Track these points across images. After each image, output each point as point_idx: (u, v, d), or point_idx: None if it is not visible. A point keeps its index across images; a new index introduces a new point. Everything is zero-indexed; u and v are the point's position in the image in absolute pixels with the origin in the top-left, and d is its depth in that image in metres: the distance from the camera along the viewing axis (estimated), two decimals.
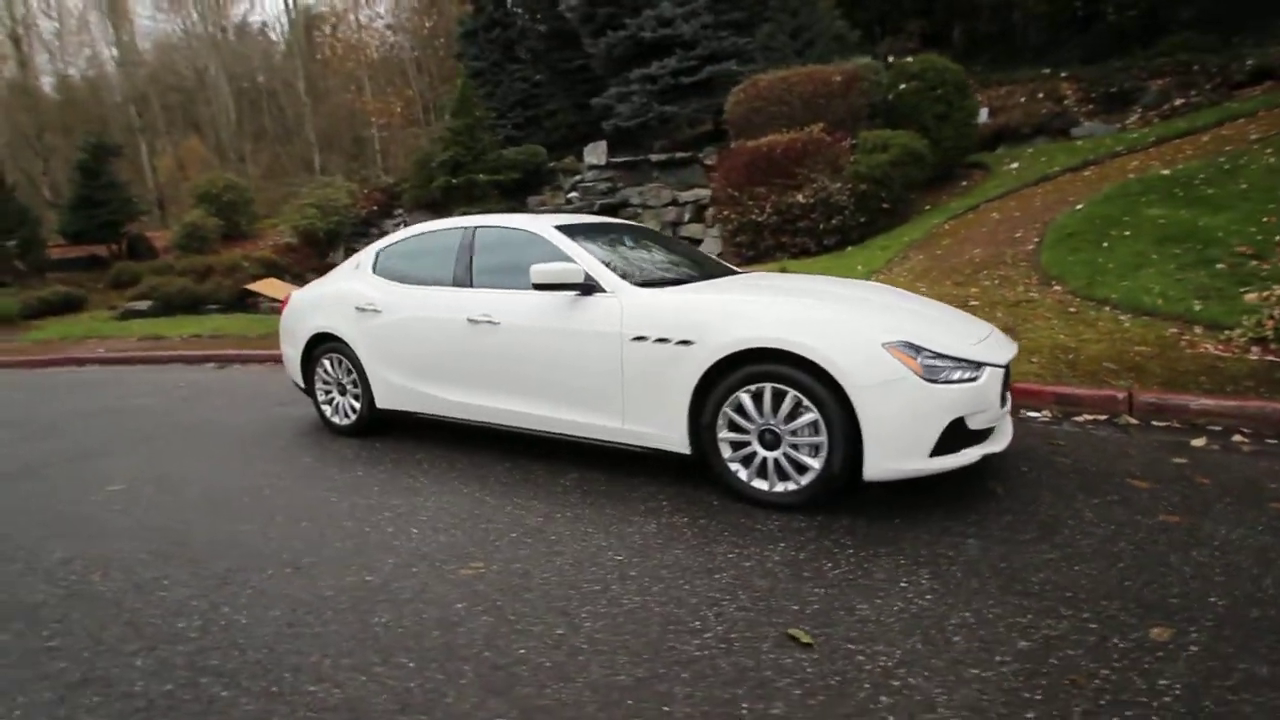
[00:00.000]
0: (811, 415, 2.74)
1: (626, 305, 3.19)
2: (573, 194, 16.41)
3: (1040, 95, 13.87)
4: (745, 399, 2.88)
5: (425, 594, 2.34)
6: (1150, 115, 12.10)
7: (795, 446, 2.82)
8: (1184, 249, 6.25)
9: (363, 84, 23.79)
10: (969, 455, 2.74)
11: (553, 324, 3.38)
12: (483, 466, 3.65)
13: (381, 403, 4.14)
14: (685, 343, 2.98)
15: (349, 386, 4.34)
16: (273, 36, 31.68)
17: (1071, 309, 5.77)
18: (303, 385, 4.60)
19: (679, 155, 16.15)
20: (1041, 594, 2.17)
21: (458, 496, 3.25)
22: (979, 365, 2.74)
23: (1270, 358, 4.31)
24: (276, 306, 12.09)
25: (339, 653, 2.02)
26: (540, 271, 3.28)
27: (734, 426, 2.94)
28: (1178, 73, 12.66)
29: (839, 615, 2.10)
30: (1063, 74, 14.45)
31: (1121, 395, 4.11)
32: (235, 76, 25.60)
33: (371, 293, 4.15)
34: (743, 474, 2.95)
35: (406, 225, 19.01)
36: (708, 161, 16.14)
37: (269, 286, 12.64)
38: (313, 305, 4.47)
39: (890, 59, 11.78)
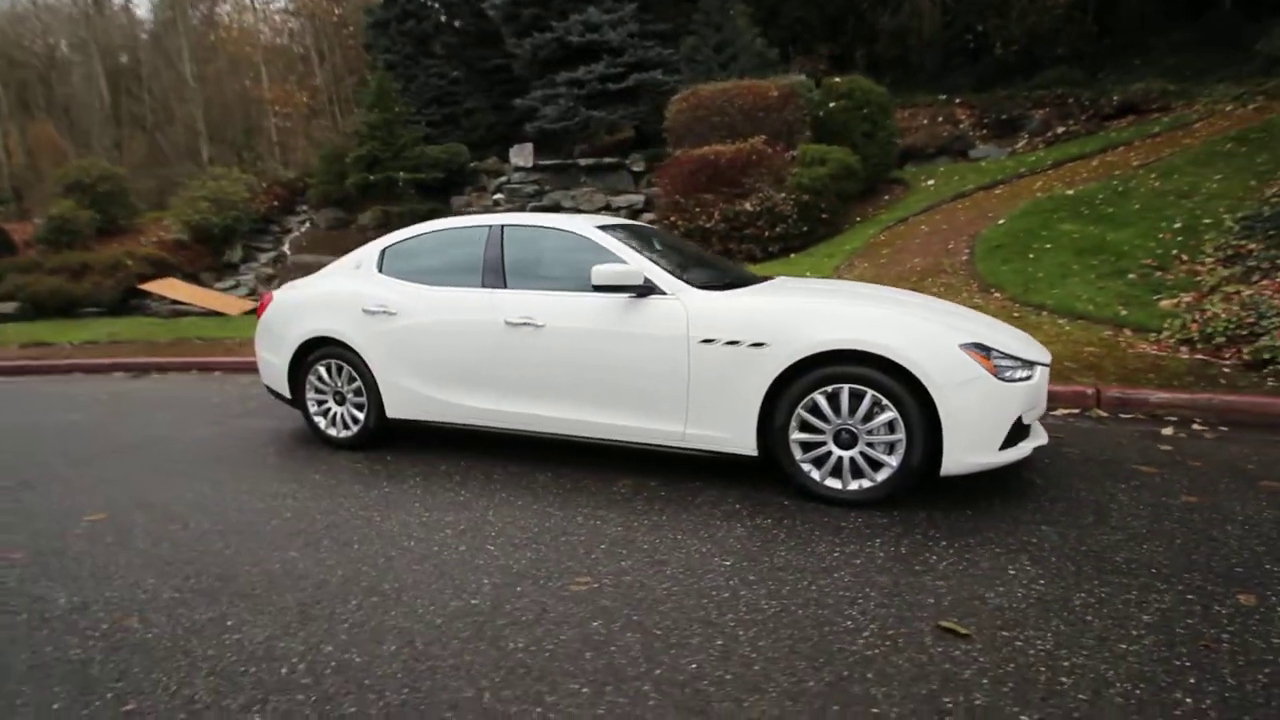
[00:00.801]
0: (889, 414, 2.84)
1: (690, 307, 3.16)
2: (498, 195, 16.02)
3: (940, 119, 15.13)
4: (821, 400, 2.94)
5: (549, 614, 2.20)
6: (1036, 141, 13.52)
7: (871, 445, 2.91)
8: (1099, 260, 7.02)
9: (259, 71, 21.85)
10: (1025, 449, 2.95)
11: (607, 327, 3.28)
12: (523, 476, 3.48)
13: (395, 412, 3.84)
14: (758, 345, 3.00)
15: (350, 395, 3.99)
16: (139, 14, 28.50)
17: (1015, 314, 6.32)
18: (287, 395, 4.18)
19: (607, 160, 16.20)
20: (1131, 572, 2.37)
21: (515, 509, 3.08)
22: (1033, 364, 2.96)
23: (1199, 356, 4.95)
24: (182, 308, 10.90)
25: (494, 684, 1.86)
26: (602, 273, 3.19)
27: (806, 427, 2.99)
28: (1056, 104, 14.23)
29: (974, 605, 2.19)
30: (957, 100, 15.83)
31: (1090, 390, 4.57)
32: (107, 53, 22.77)
33: (383, 294, 3.84)
34: (815, 474, 3.01)
35: (313, 223, 17.80)
36: (635, 168, 16.31)
37: (168, 287, 11.35)
38: (305, 307, 4.07)
39: (816, 79, 12.39)
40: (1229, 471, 3.26)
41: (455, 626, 2.14)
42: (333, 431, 4.08)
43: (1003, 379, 2.81)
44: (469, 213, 15.25)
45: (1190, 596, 2.20)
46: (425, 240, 3.98)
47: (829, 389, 2.92)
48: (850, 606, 2.20)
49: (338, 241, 16.29)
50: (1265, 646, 1.93)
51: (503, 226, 3.76)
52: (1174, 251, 6.83)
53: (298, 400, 4.16)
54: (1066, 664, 1.88)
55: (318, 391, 4.09)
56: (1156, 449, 3.64)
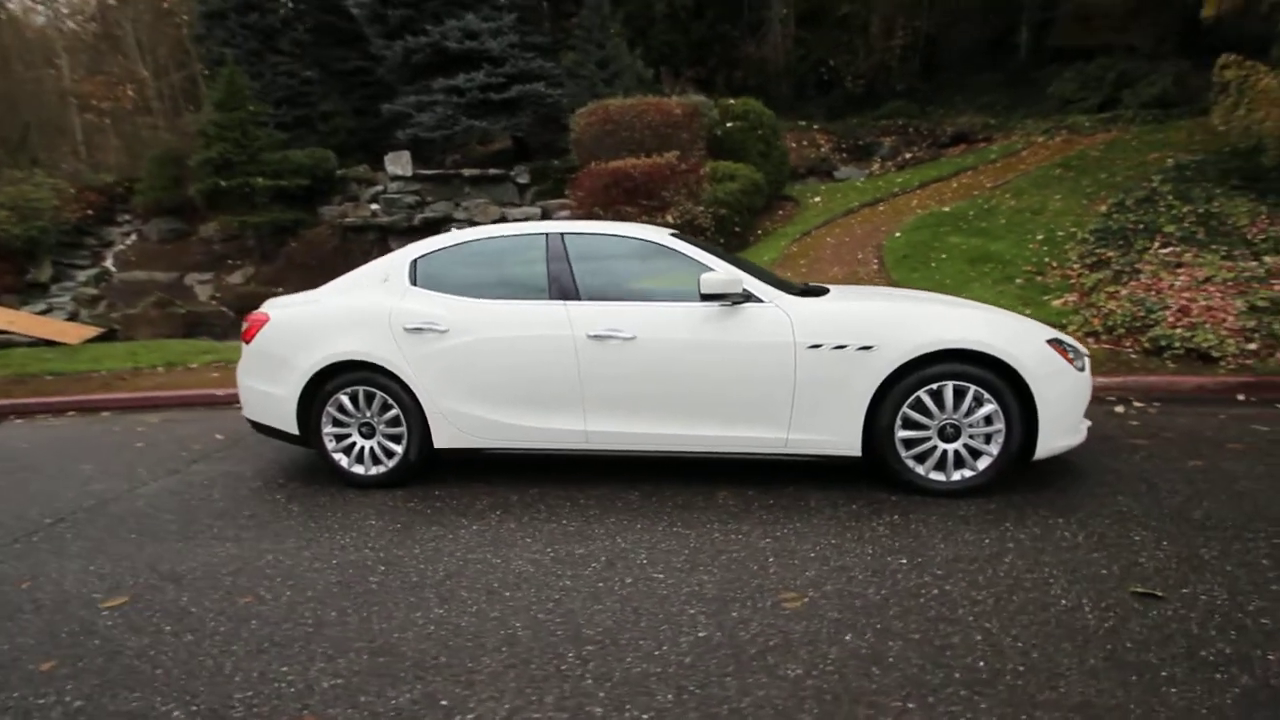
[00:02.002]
0: (990, 406, 3.09)
1: (793, 314, 3.20)
2: (374, 205, 14.89)
3: (805, 143, 16.53)
4: (926, 397, 3.11)
5: (793, 635, 2.11)
6: (888, 164, 15.25)
7: (972, 437, 3.13)
8: (990, 268, 8.10)
9: (59, 60, 18.11)
10: (1083, 431, 3.34)
11: (708, 336, 3.21)
12: (611, 498, 3.29)
13: (446, 441, 3.44)
14: (866, 348, 3.11)
15: (381, 426, 3.51)
16: None
17: None
18: (292, 431, 3.56)
19: (492, 172, 15.75)
20: (1218, 525, 2.77)
21: (640, 533, 2.90)
22: (1083, 355, 3.37)
23: (1106, 345, 5.89)
24: (3, 338, 8.79)
25: (818, 716, 1.75)
26: (710, 281, 3.13)
27: (910, 424, 3.15)
28: (899, 132, 16.17)
29: (1137, 570, 2.45)
30: (815, 126, 17.41)
31: None
32: None
33: (429, 309, 3.43)
34: (919, 469, 3.17)
35: (142, 235, 15.27)
36: (520, 180, 16.01)
37: None
38: (322, 327, 3.51)
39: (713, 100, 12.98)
40: (1196, 439, 3.92)
41: (711, 664, 1.98)
42: (359, 469, 3.55)
43: (1076, 368, 3.17)
44: (346, 222, 14.00)
45: (1276, 541, 2.64)
46: (467, 250, 3.62)
47: (933, 386, 3.10)
48: (1050, 586, 2.35)
49: (176, 255, 14.14)
50: None
51: (562, 235, 3.53)
52: (1045, 259, 8.05)
53: (308, 438, 3.56)
54: (1252, 608, 2.17)
55: (338, 425, 3.54)
56: (1128, 425, 4.27)
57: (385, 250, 14.23)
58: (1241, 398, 4.82)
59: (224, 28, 15.86)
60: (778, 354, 3.17)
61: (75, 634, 2.27)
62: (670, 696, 1.84)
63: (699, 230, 9.94)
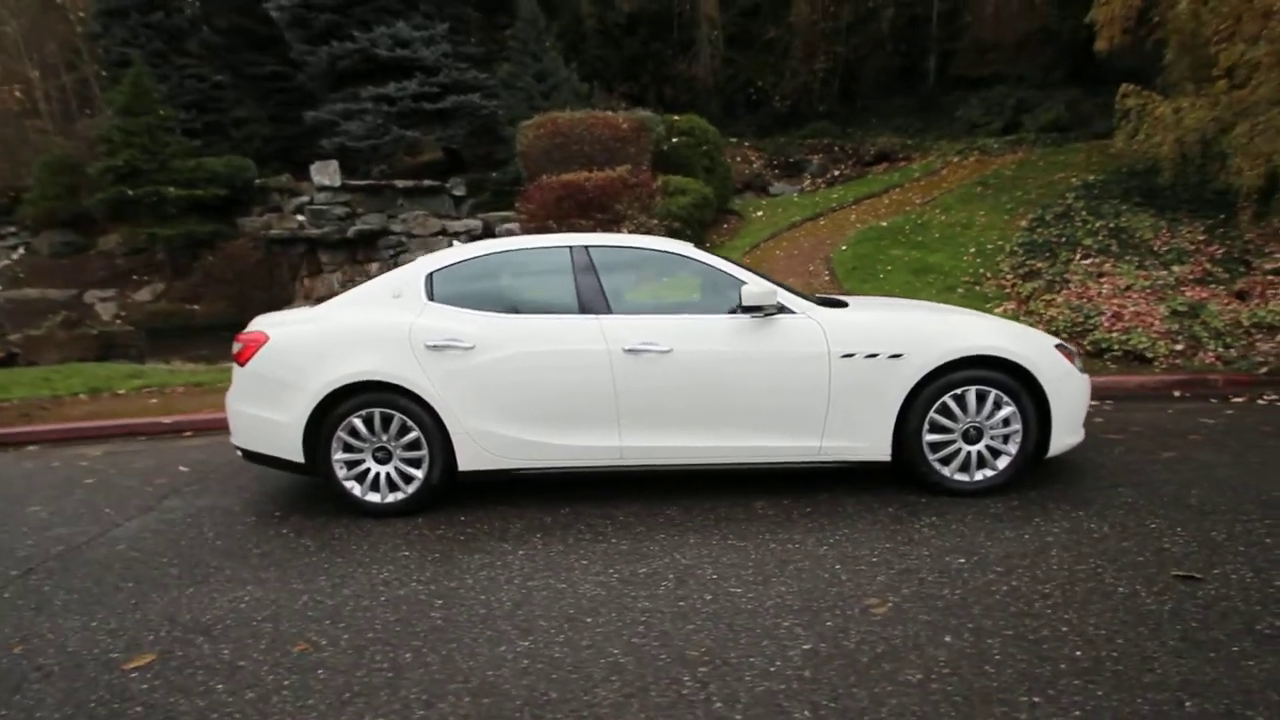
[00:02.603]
0: (1009, 409, 3.27)
1: (825, 324, 3.27)
2: (300, 216, 14.08)
3: (738, 159, 17.03)
4: (951, 402, 3.26)
5: (894, 640, 2.14)
6: (818, 181, 15.96)
7: (992, 438, 3.30)
8: (932, 278, 8.60)
9: None
10: (1083, 430, 3.59)
11: (745, 347, 3.23)
12: (651, 514, 3.23)
13: (473, 464, 3.27)
14: (896, 356, 3.22)
15: (398, 450, 3.29)
16: None
17: None
18: (297, 459, 3.29)
19: (427, 183, 15.32)
20: (1214, 510, 3.04)
21: (692, 547, 2.86)
22: (1076, 358, 3.63)
23: None
24: None
25: (958, 716, 1.78)
26: (752, 293, 3.16)
27: (936, 428, 3.29)
28: (826, 150, 16.97)
29: (1168, 555, 2.65)
30: (746, 143, 17.99)
31: None
32: None
33: (450, 325, 3.26)
34: (945, 470, 3.31)
35: (30, 249, 13.72)
36: (456, 192, 15.65)
37: None
38: (332, 346, 3.26)
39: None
40: (1160, 432, 4.30)
41: (831, 676, 1.97)
42: (374, 497, 3.32)
43: (1079, 370, 3.42)
44: (271, 235, 13.15)
45: (1269, 520, 2.92)
46: (486, 263, 3.48)
47: (957, 391, 3.25)
48: (1102, 576, 2.51)
49: (73, 271, 12.82)
50: None
51: (586, 248, 3.46)
52: (981, 270, 8.64)
53: (318, 465, 3.30)
54: (1278, 584, 2.40)
55: (348, 450, 3.29)
56: (1095, 422, 4.62)
57: (316, 264, 13.49)
58: (1177, 394, 5.34)
59: (124, 26, 14.63)
60: (813, 364, 3.23)
61: (107, 701, 1.98)
62: (808, 713, 1.82)
63: None
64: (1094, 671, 1.95)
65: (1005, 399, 3.26)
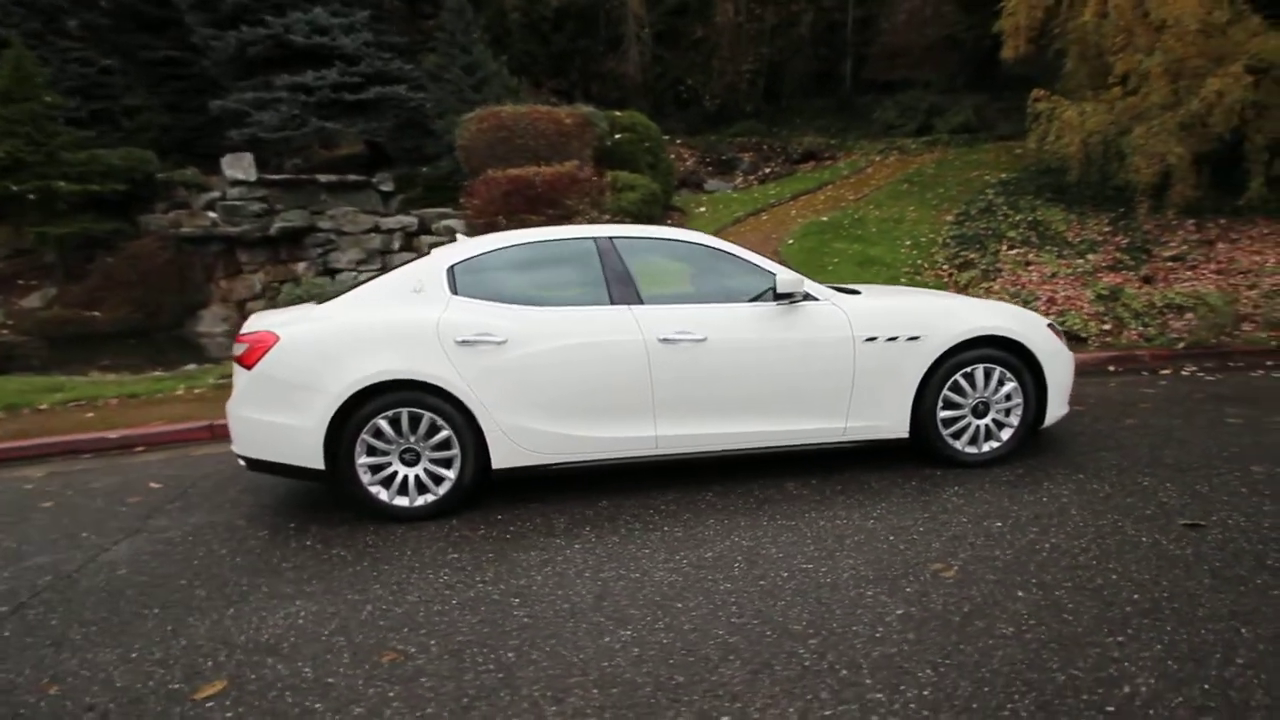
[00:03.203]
0: (1011, 384, 3.53)
1: (848, 310, 3.42)
2: (212, 213, 13.05)
3: (673, 156, 17.23)
4: (961, 380, 3.48)
5: (973, 599, 2.29)
6: (750, 178, 16.39)
7: (997, 412, 3.55)
8: (876, 270, 9.06)
9: None
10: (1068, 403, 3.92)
11: (776, 334, 3.32)
12: (691, 501, 3.26)
13: (504, 460, 3.18)
14: (914, 338, 3.41)
15: (426, 452, 3.16)
16: None
17: None
18: (317, 466, 3.08)
19: (352, 178, 14.57)
20: (1193, 467, 3.40)
21: (745, 529, 2.92)
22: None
23: None
24: None
25: (1064, 658, 1.93)
26: (786, 281, 3.28)
27: (948, 405, 3.51)
28: (755, 149, 17.46)
29: (1169, 507, 2.95)
30: (678, 140, 18.23)
31: None
32: None
33: (481, 319, 3.15)
34: (956, 444, 3.53)
35: None
36: (384, 188, 15.02)
37: None
38: (354, 344, 3.07)
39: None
40: (1114, 403, 4.75)
41: (934, 637, 2.08)
42: (402, 501, 3.16)
43: (1067, 348, 3.73)
44: (183, 233, 12.11)
45: (1238, 472, 3.31)
46: (509, 255, 3.39)
47: (967, 370, 3.48)
48: (1123, 529, 2.76)
49: None
50: None
51: (611, 238, 3.44)
52: (919, 261, 9.19)
53: (338, 471, 3.10)
54: (1268, 525, 2.73)
55: (373, 454, 3.12)
56: None
57: (234, 264, 12.55)
58: (1112, 369, 5.91)
59: None
60: (838, 348, 3.36)
61: None
62: (930, 671, 1.91)
63: None
64: (1155, 611, 2.17)
65: (1008, 375, 3.52)
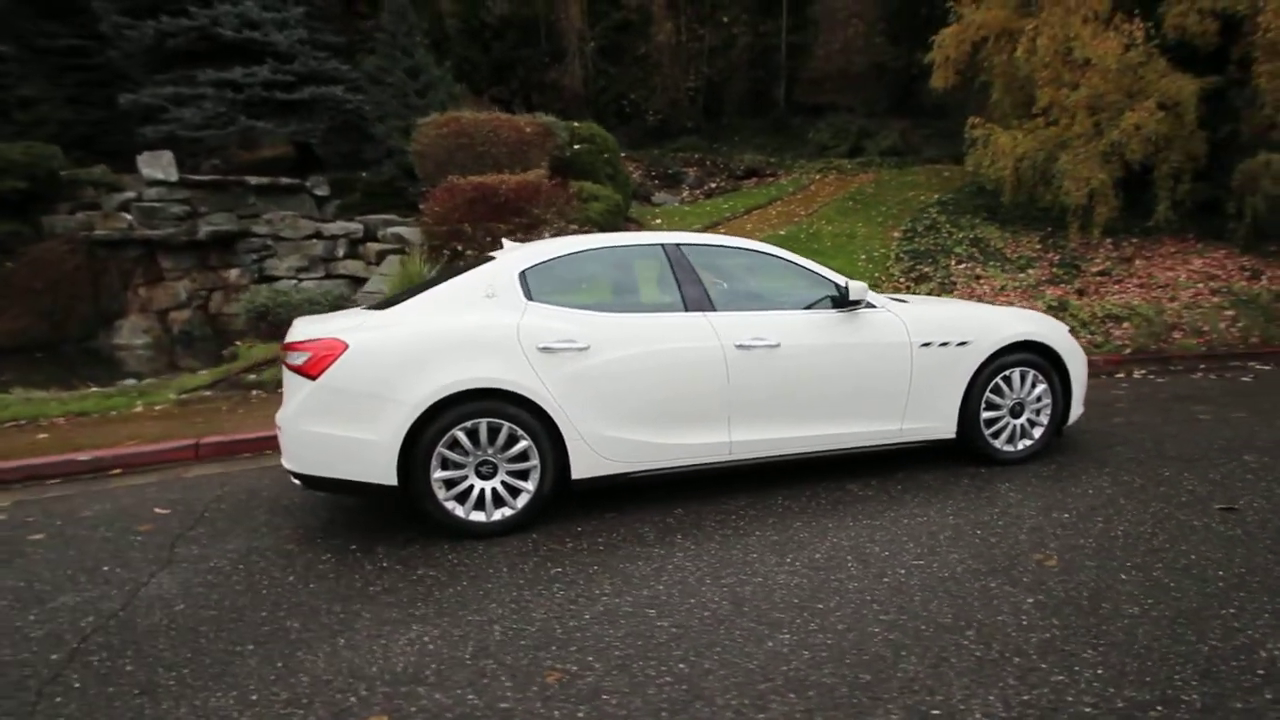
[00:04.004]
0: (1042, 386, 3.79)
1: (904, 317, 3.57)
2: (128, 215, 11.97)
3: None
4: (1001, 383, 3.71)
5: (1092, 586, 2.43)
6: (696, 193, 16.74)
7: (1031, 412, 3.81)
8: None
9: None
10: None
11: (842, 339, 3.42)
12: (763, 507, 3.29)
13: (587, 471, 3.09)
14: (964, 344, 3.61)
15: (503, 464, 3.02)
16: None
17: None
18: (389, 483, 2.88)
19: (285, 181, 13.78)
20: (1196, 458, 3.77)
21: (836, 531, 2.98)
22: None
23: None
24: None
25: (1196, 629, 2.10)
26: (857, 289, 3.36)
27: (990, 406, 3.72)
28: (698, 164, 17.85)
29: (1199, 494, 3.26)
30: (623, 154, 18.35)
31: None
32: None
33: (562, 325, 3.06)
34: (996, 443, 3.76)
35: None
36: (319, 192, 14.33)
37: None
38: (434, 352, 2.90)
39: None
40: (1092, 405, 5.14)
41: (1074, 620, 2.20)
42: (479, 516, 3.00)
43: (1083, 351, 4.05)
44: (97, 237, 10.99)
45: (1235, 461, 3.70)
46: (579, 260, 3.32)
47: (1006, 373, 3.71)
48: (1171, 516, 3.02)
49: None
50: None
51: (679, 245, 3.45)
52: (875, 275, 9.67)
53: (412, 487, 2.91)
54: None
55: (448, 468, 2.95)
56: None
57: (155, 270, 11.52)
58: None
59: None
60: (898, 352, 3.51)
61: None
62: (1092, 652, 2.03)
63: None
64: (1244, 584, 2.39)
65: (1040, 377, 3.78)
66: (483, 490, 3.03)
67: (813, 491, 3.46)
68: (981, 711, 1.78)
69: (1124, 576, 2.48)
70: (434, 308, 3.10)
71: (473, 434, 2.97)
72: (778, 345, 3.32)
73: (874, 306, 3.56)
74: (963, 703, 1.82)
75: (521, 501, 3.07)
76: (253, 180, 13.31)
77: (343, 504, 3.45)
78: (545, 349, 3.02)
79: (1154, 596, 2.34)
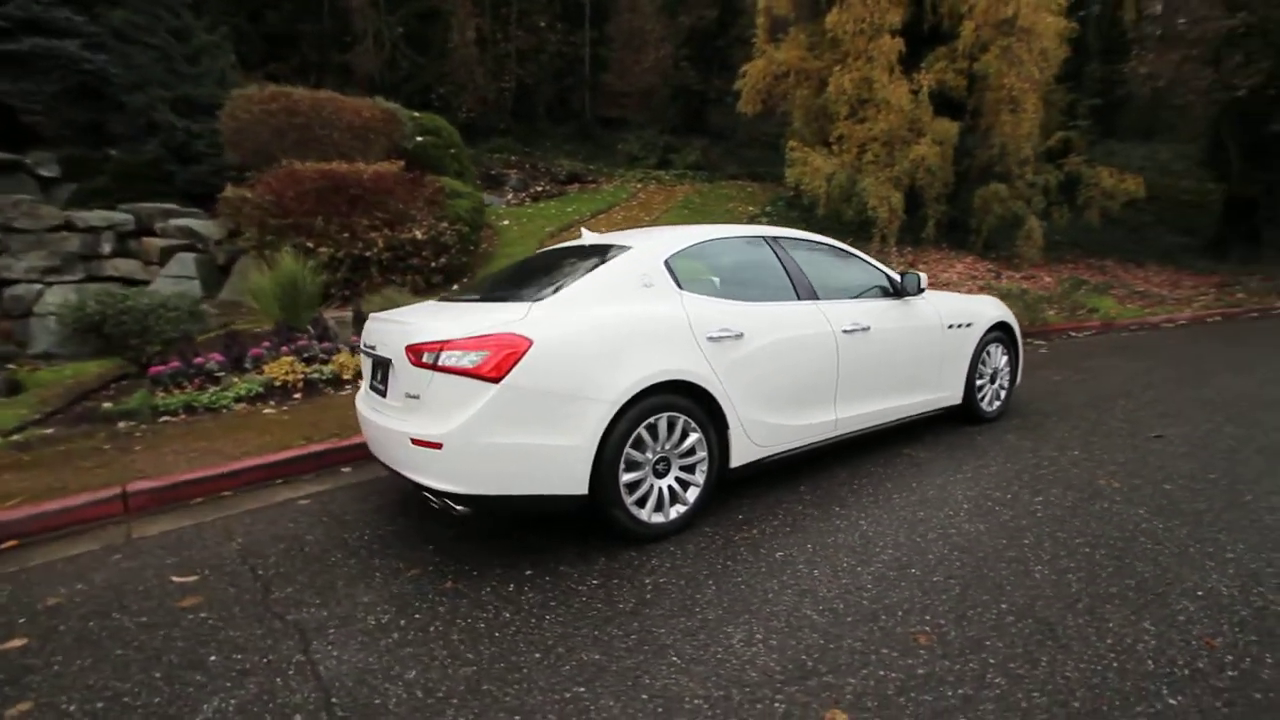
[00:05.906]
0: (1005, 357, 4.69)
1: (935, 304, 4.16)
2: None
3: None
4: (985, 356, 4.52)
5: (1146, 525, 3.17)
6: (522, 195, 16.45)
7: (1001, 379, 4.68)
8: None
9: None
10: None
11: (908, 323, 3.88)
12: (832, 484, 3.59)
13: (741, 458, 3.08)
14: (968, 325, 4.32)
15: (675, 459, 2.88)
16: None
17: None
18: (578, 492, 2.56)
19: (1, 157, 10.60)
20: (1113, 404, 4.99)
21: (899, 506, 3.39)
22: None
23: None
24: None
25: (1252, 544, 2.90)
26: (920, 281, 3.83)
27: (981, 375, 4.51)
28: (519, 167, 17.55)
29: (1143, 431, 4.35)
30: None
31: None
32: None
33: (718, 314, 3.00)
34: (983, 405, 4.56)
35: None
36: (45, 172, 11.38)
37: None
38: (624, 343, 2.63)
39: None
40: None
41: (1199, 532, 2.86)
42: (658, 518, 2.81)
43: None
44: None
45: (1134, 401, 4.98)
46: (705, 251, 3.27)
47: (989, 348, 4.53)
48: (1171, 452, 4.01)
49: None
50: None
51: (778, 238, 3.60)
52: None
53: (601, 493, 2.62)
54: (1202, 431, 4.29)
55: (630, 468, 2.72)
56: None
57: None
58: None
59: None
60: (938, 335, 4.09)
61: None
62: (1240, 549, 2.69)
63: (444, 248, 9.18)
64: (1235, 504, 3.22)
65: (1004, 350, 4.68)
66: (660, 490, 2.85)
67: (872, 461, 3.83)
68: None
69: (1178, 493, 3.31)
70: (593, 298, 2.83)
71: (653, 430, 2.79)
72: (869, 329, 3.66)
73: (924, 295, 4.10)
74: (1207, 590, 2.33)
75: (692, 496, 2.95)
76: None
77: (404, 513, 2.93)
78: (713, 338, 2.96)
79: (1222, 502, 3.16)
